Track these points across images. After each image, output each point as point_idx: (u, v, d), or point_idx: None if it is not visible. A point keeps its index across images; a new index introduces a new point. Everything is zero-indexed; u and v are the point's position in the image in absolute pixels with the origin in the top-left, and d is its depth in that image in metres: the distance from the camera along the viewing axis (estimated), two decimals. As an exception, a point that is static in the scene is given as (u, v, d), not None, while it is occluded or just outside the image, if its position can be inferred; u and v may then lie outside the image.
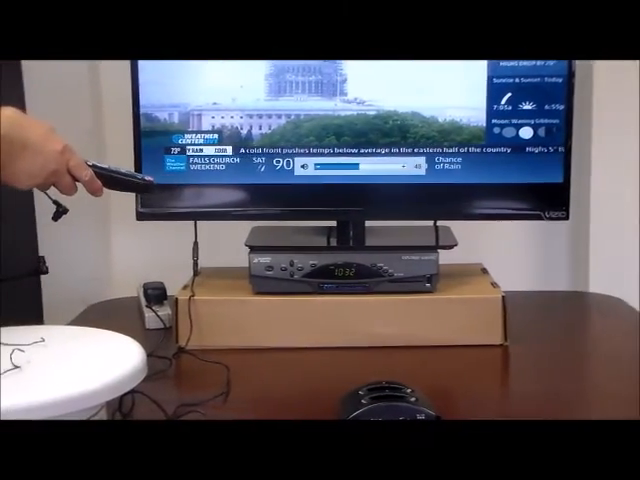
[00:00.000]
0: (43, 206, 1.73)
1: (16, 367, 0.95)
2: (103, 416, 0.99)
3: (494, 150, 1.48)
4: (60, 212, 1.15)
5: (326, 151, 1.48)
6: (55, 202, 1.15)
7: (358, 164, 1.49)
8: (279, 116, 1.48)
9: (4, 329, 1.06)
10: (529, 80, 1.46)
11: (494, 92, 1.46)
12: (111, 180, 1.17)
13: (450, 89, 1.47)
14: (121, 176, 1.20)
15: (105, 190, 1.15)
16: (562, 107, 1.46)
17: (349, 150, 1.48)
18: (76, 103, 1.87)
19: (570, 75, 1.45)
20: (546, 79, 1.46)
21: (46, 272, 1.26)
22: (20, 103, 1.66)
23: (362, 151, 1.48)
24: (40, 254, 1.76)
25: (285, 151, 1.48)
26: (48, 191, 1.12)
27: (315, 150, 1.48)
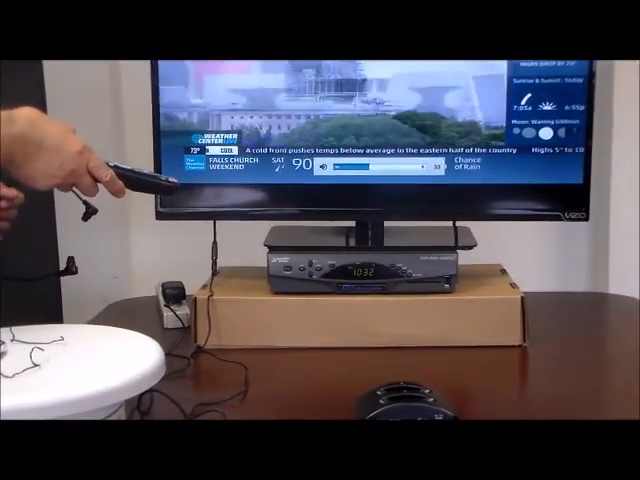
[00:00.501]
0: (63, 205, 1.75)
1: (36, 365, 0.95)
2: (122, 415, 1.00)
3: (514, 151, 1.47)
4: (90, 212, 1.15)
5: (345, 151, 1.48)
6: (85, 202, 1.15)
7: (377, 164, 1.49)
8: (298, 116, 1.48)
9: (24, 328, 1.07)
10: (549, 80, 1.45)
11: (514, 92, 1.46)
12: (133, 181, 1.17)
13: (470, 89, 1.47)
14: (144, 177, 1.20)
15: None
16: (582, 107, 1.45)
17: (368, 150, 1.48)
18: (96, 103, 1.88)
19: (591, 75, 1.45)
20: (566, 79, 1.45)
21: (75, 272, 1.26)
22: (41, 103, 1.67)
23: (381, 151, 1.48)
24: (60, 253, 1.78)
25: (304, 151, 1.48)
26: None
27: (334, 150, 1.48)
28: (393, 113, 1.46)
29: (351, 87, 1.47)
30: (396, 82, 1.46)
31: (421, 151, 1.47)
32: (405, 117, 1.46)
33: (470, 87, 1.46)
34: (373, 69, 1.46)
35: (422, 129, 1.47)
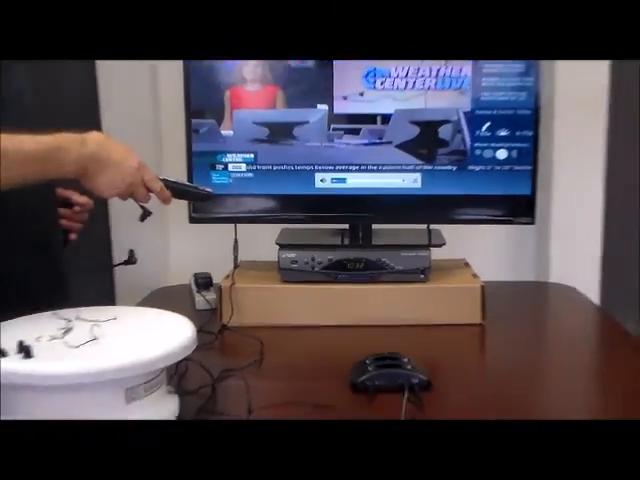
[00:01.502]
0: (117, 210, 1.75)
1: (94, 339, 0.95)
2: (163, 378, 0.99)
3: (476, 168, 1.47)
4: (145, 214, 1.15)
5: (340, 168, 1.48)
6: (142, 207, 1.14)
7: (367, 179, 1.49)
8: (310, 146, 1.47)
9: (85, 308, 1.07)
10: (504, 112, 1.45)
11: (476, 121, 1.46)
12: (178, 191, 1.17)
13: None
14: (185, 187, 1.20)
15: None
16: (530, 133, 1.46)
17: (352, 167, 1.48)
18: (139, 121, 1.87)
19: (537, 108, 1.45)
20: (518, 111, 1.45)
21: (135, 262, 1.28)
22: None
23: (370, 168, 1.48)
24: (113, 250, 1.78)
25: (307, 168, 1.48)
26: None
27: (331, 167, 1.48)
28: (394, 143, 1.46)
29: (359, 120, 1.46)
30: (398, 117, 1.45)
31: (403, 168, 1.47)
32: (404, 146, 1.46)
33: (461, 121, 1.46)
34: (379, 105, 1.45)
35: (419, 156, 1.47)
